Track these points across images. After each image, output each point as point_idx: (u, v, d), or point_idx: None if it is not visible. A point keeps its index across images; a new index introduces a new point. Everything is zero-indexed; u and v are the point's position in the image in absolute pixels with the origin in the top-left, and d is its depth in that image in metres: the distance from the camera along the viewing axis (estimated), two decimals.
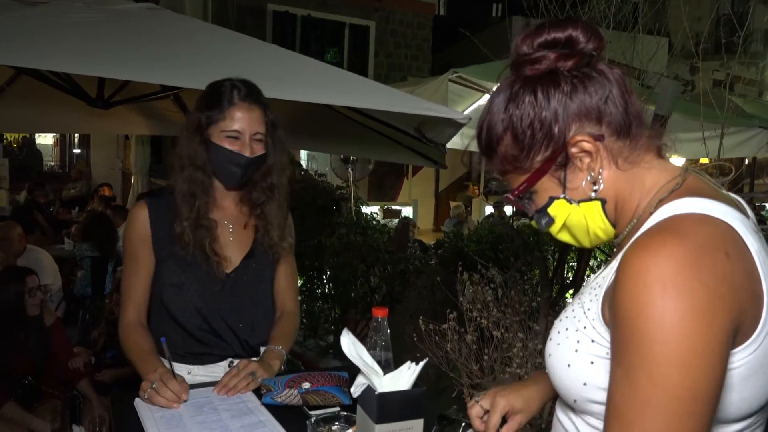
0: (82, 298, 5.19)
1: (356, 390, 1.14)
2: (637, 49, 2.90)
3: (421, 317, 2.17)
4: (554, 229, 0.91)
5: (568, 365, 0.83)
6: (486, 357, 2.03)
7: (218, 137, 1.56)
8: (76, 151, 14.27)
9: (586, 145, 0.84)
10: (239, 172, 1.59)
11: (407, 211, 10.33)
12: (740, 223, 0.77)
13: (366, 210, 6.32)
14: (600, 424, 0.82)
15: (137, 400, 1.43)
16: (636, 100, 0.87)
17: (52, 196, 9.29)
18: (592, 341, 0.81)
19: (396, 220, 7.16)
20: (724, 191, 0.87)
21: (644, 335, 0.70)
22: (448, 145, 3.10)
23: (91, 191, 9.47)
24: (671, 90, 2.48)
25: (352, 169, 6.20)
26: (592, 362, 0.81)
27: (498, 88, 0.90)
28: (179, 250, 1.60)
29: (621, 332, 0.73)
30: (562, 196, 0.88)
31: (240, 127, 1.55)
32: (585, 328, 0.83)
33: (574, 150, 0.85)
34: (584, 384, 0.81)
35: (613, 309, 0.75)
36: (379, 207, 8.76)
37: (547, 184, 0.88)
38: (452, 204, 10.12)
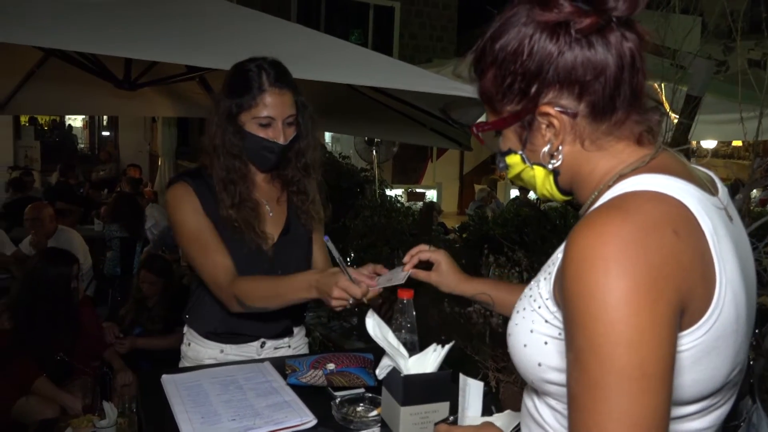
0: (111, 277, 5.28)
1: (381, 372, 1.13)
2: (666, 28, 2.81)
3: (446, 299, 2.15)
4: (509, 175, 0.91)
5: (524, 345, 0.81)
6: None
7: (250, 124, 1.54)
8: (105, 133, 14.46)
9: (553, 120, 0.80)
10: (274, 158, 1.60)
11: (431, 194, 10.28)
12: (697, 202, 0.74)
13: (390, 193, 6.32)
14: (559, 405, 0.81)
15: (164, 377, 1.44)
16: (640, 81, 0.80)
17: (82, 178, 9.45)
18: (546, 321, 0.79)
19: (420, 203, 7.14)
20: (701, 170, 0.84)
21: (589, 316, 0.67)
22: None
23: (119, 173, 9.61)
24: (705, 70, 2.40)
25: (376, 152, 6.17)
26: (545, 342, 0.79)
27: (510, 14, 0.82)
28: (222, 231, 1.59)
29: (568, 314, 0.71)
30: (519, 152, 0.86)
31: (272, 113, 1.53)
32: (539, 308, 0.80)
33: (540, 118, 0.81)
34: (539, 364, 0.79)
35: (562, 290, 0.73)
36: (403, 190, 8.72)
37: (509, 135, 0.86)
38: (477, 187, 10.03)
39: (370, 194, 5.79)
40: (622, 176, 0.79)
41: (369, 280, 1.33)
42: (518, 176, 0.89)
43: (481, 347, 2.10)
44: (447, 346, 1.13)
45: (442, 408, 1.10)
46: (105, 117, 13.65)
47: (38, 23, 2.19)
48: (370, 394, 1.33)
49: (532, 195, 8.91)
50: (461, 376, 1.07)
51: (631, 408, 0.65)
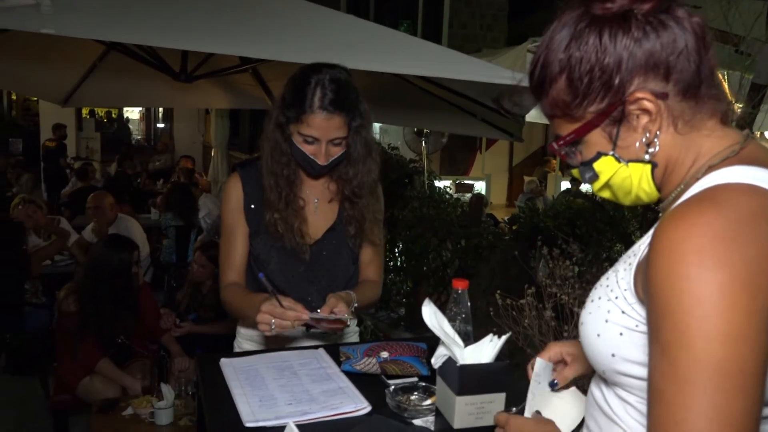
0: (167, 264, 5.45)
1: (437, 361, 1.13)
2: (733, 14, 2.69)
3: (498, 291, 2.13)
4: (596, 186, 0.86)
5: (598, 335, 0.79)
6: (565, 334, 1.98)
7: (296, 137, 1.57)
8: (160, 125, 14.89)
9: (647, 104, 0.77)
10: (314, 173, 1.64)
11: (480, 186, 10.16)
12: None
13: (438, 184, 6.29)
14: (630, 398, 0.78)
15: (222, 360, 1.48)
16: (713, 56, 0.78)
17: (139, 168, 9.76)
18: (623, 312, 0.77)
19: (468, 195, 7.08)
20: None
21: (680, 308, 0.65)
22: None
23: (174, 163, 9.88)
24: None
25: (425, 143, 6.15)
26: (621, 333, 0.77)
27: (562, 20, 0.81)
28: (267, 224, 1.65)
29: (655, 307, 0.68)
30: (611, 153, 0.81)
31: (316, 135, 1.54)
32: (617, 298, 0.78)
33: (632, 107, 0.78)
34: (612, 355, 0.78)
35: (647, 282, 0.70)
36: (451, 181, 8.65)
37: (596, 138, 0.82)
38: (526, 179, 9.86)
39: (418, 185, 5.78)
40: (711, 167, 0.77)
41: (301, 310, 1.45)
42: (608, 184, 0.84)
43: (533, 340, 2.07)
44: (504, 337, 1.12)
45: (498, 399, 1.09)
46: (161, 109, 14.06)
47: (101, 17, 2.26)
48: (424, 383, 1.33)
49: (585, 187, 8.72)
50: (537, 360, 1.05)
51: (725, 406, 0.63)
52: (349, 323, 1.49)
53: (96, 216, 4.71)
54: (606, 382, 0.83)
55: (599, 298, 0.81)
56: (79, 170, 7.70)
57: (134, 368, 3.14)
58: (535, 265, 3.87)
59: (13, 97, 13.58)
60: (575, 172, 0.87)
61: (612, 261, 2.55)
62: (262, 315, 1.44)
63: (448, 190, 6.04)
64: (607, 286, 0.81)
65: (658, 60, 0.76)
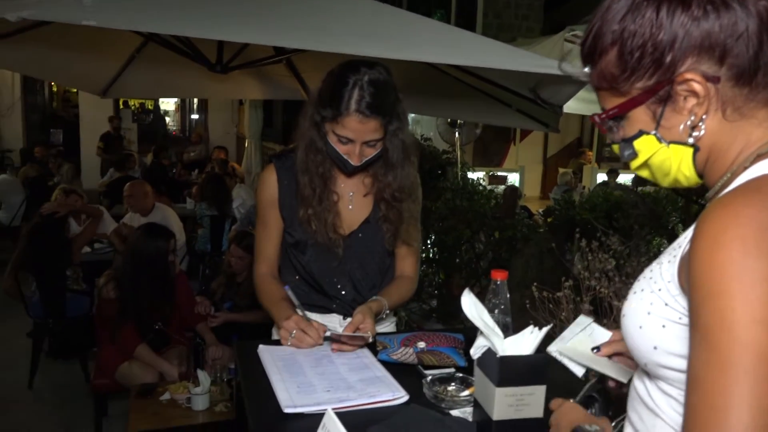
0: (202, 253, 5.54)
1: (476, 352, 1.12)
2: None
3: (535, 284, 2.11)
4: (634, 163, 0.83)
5: (640, 327, 0.78)
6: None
7: (331, 135, 1.58)
8: (195, 116, 15.09)
9: (696, 86, 0.74)
10: (347, 172, 1.65)
11: (513, 178, 10.07)
12: None
13: (472, 175, 6.24)
14: (674, 391, 0.77)
15: (261, 347, 1.50)
16: None
17: (175, 159, 9.93)
18: (666, 304, 0.75)
19: (502, 187, 7.01)
20: None
21: (721, 293, 0.63)
22: None
23: (209, 154, 10.01)
24: None
25: (458, 133, 6.10)
26: (663, 326, 0.75)
27: None
28: (300, 220, 1.67)
29: (696, 293, 0.67)
30: (652, 132, 0.79)
31: (351, 136, 1.55)
32: (660, 290, 0.76)
33: (680, 87, 0.75)
34: (654, 348, 0.76)
35: (689, 269, 0.68)
36: (484, 172, 8.60)
37: (640, 115, 0.79)
38: (560, 170, 9.74)
39: (451, 176, 5.74)
40: (760, 156, 0.74)
41: (318, 337, 1.51)
42: (646, 163, 0.82)
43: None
44: (545, 329, 1.10)
45: (539, 391, 1.08)
46: (195, 101, 14.24)
47: (139, 9, 2.29)
48: (462, 374, 1.32)
49: (622, 179, 8.57)
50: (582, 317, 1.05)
51: (765, 392, 0.61)
52: (370, 339, 1.50)
53: (133, 205, 4.81)
54: (649, 375, 0.81)
55: (642, 290, 0.80)
56: (117, 160, 7.87)
57: (171, 354, 3.21)
58: (571, 258, 3.82)
59: (54, 89, 13.92)
60: (615, 147, 0.86)
61: (652, 255, 2.50)
62: (284, 331, 1.53)
63: (481, 181, 5.98)
64: (651, 278, 0.80)
65: (714, 41, 0.73)
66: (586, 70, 0.84)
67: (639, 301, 0.79)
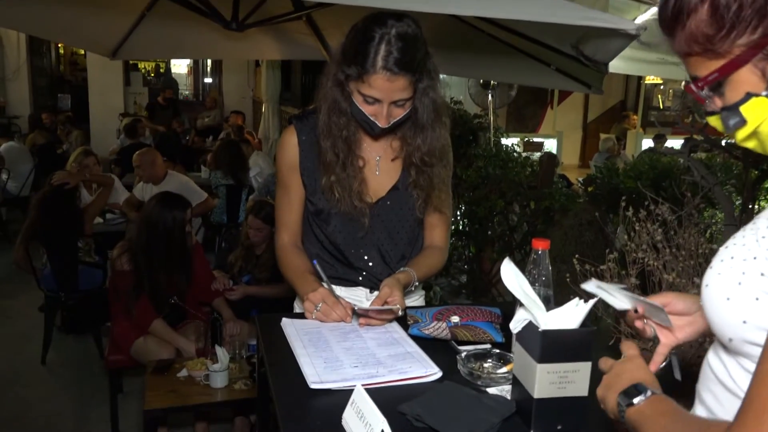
0: (217, 225, 5.59)
1: (516, 325, 1.11)
2: None
3: (576, 255, 2.08)
4: (741, 133, 0.78)
5: (728, 298, 0.75)
6: None
7: (356, 95, 1.55)
8: (208, 80, 15.13)
9: None
10: (373, 134, 1.63)
11: (550, 144, 9.94)
12: None
13: (506, 141, 6.16)
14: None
15: (284, 320, 1.51)
16: None
17: (188, 125, 10.00)
18: (762, 275, 0.72)
19: (538, 154, 6.92)
20: None
21: None
22: None
23: (223, 120, 10.06)
24: None
25: (491, 96, 6.00)
26: (757, 298, 0.72)
27: None
28: (323, 188, 1.66)
29: None
30: (763, 93, 0.74)
31: (378, 96, 1.52)
32: (755, 258, 0.73)
33: None
34: (744, 322, 0.73)
35: None
36: (519, 139, 8.48)
37: (745, 76, 0.75)
38: (602, 136, 9.57)
39: (483, 143, 5.67)
40: None
41: (345, 313, 1.52)
42: (756, 131, 0.77)
43: (614, 310, 2.04)
44: (591, 302, 1.09)
45: (584, 368, 1.07)
46: (209, 63, 14.26)
47: None
48: (498, 350, 1.32)
49: (670, 144, 8.39)
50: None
51: None
52: (400, 313, 1.50)
53: (142, 174, 4.87)
54: (728, 352, 0.79)
55: (731, 257, 0.76)
56: (128, 127, 7.95)
57: (188, 330, 3.26)
58: (613, 230, 3.77)
59: (61, 51, 14.06)
60: (713, 120, 0.81)
61: (704, 226, 2.45)
62: (309, 303, 1.54)
63: (516, 148, 5.90)
64: (744, 245, 0.76)
65: None
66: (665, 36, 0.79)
67: (728, 270, 0.76)
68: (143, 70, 14.25)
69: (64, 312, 4.32)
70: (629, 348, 0.99)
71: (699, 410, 0.85)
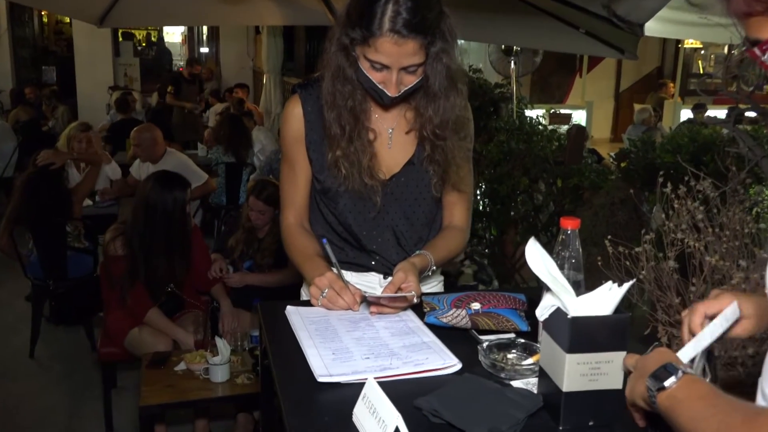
0: (216, 207, 5.62)
1: (543, 312, 1.10)
2: None
3: (608, 236, 2.07)
4: None
5: None
6: (693, 288, 1.90)
7: (363, 61, 1.53)
8: (204, 49, 15.11)
9: None
10: (383, 104, 1.61)
11: (579, 116, 9.87)
12: None
13: (530, 113, 6.12)
14: None
15: (289, 308, 1.51)
16: None
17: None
18: None
19: (565, 127, 6.87)
20: None
21: None
22: None
23: (222, 92, 10.04)
24: None
25: (514, 63, 5.95)
26: None
27: None
28: (329, 164, 1.65)
29: None
30: None
31: (386, 61, 1.50)
32: None
33: None
34: None
35: None
36: (544, 110, 8.42)
37: None
38: (636, 107, 9.48)
39: (505, 115, 5.65)
40: None
41: (354, 301, 1.51)
42: None
43: (650, 296, 2.02)
44: (626, 285, 1.07)
45: (617, 358, 1.05)
46: (204, 31, 14.22)
47: None
48: (523, 340, 1.31)
49: (713, 113, 8.31)
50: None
51: None
52: (415, 300, 1.49)
53: (141, 154, 4.88)
54: None
55: None
56: (119, 101, 7.96)
57: (186, 320, 3.29)
58: (649, 209, 3.74)
59: (45, 19, 14.08)
60: None
61: (751, 203, 2.41)
62: (315, 289, 1.54)
63: (541, 120, 5.87)
64: None
65: None
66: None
67: None
68: (136, 38, 14.26)
69: (53, 301, 4.36)
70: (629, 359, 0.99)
71: (760, 399, 0.84)
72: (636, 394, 0.95)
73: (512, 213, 4.84)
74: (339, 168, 1.62)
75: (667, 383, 0.87)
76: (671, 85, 10.66)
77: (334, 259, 1.57)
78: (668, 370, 0.88)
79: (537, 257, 1.10)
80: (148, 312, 3.16)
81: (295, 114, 1.69)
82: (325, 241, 1.60)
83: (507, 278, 4.72)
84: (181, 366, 2.84)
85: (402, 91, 1.55)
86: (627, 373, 1.03)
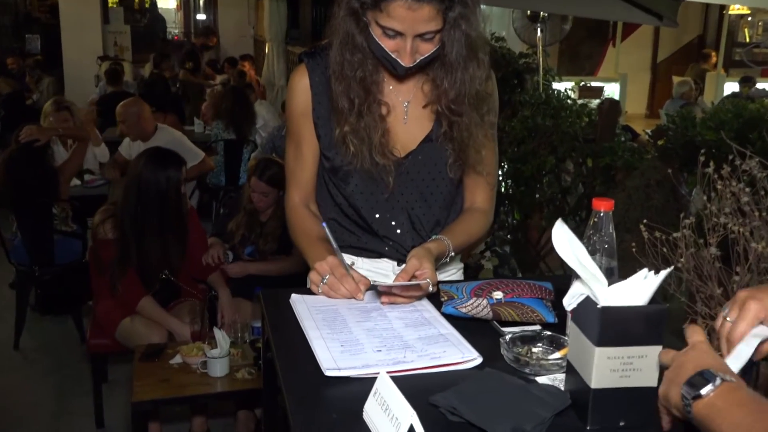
0: (215, 187, 5.63)
1: (571, 302, 1.10)
2: None
3: (644, 221, 2.05)
4: None
5: None
6: (736, 278, 1.88)
7: (375, 27, 1.52)
8: (201, 16, 15.11)
9: None
10: (397, 75, 1.61)
11: (612, 89, 9.79)
12: None
13: (557, 86, 6.09)
14: None
15: (293, 297, 1.52)
16: None
17: (179, 69, 10.01)
18: None
19: (596, 101, 6.83)
20: None
21: None
22: None
23: (221, 63, 10.05)
24: None
25: (541, 31, 5.90)
26: None
27: None
28: (336, 141, 1.65)
29: None
30: None
31: (399, 28, 1.49)
32: None
33: None
34: None
35: None
36: (574, 83, 8.36)
37: None
38: (675, 80, 9.41)
39: (531, 87, 5.62)
40: None
41: (357, 289, 1.51)
42: None
43: (689, 286, 2.00)
44: (663, 273, 1.07)
45: (652, 353, 1.05)
46: None
47: None
48: (550, 333, 1.31)
49: (760, 87, 8.23)
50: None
51: None
52: (431, 289, 1.49)
53: (127, 130, 4.89)
54: None
55: None
56: (109, 72, 7.99)
57: (182, 310, 3.31)
58: (688, 191, 3.72)
59: None
60: None
61: None
62: (315, 275, 1.54)
63: (570, 94, 5.84)
64: None
65: None
66: None
67: None
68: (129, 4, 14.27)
69: (39, 289, 4.41)
70: (694, 333, 0.99)
71: None
72: (670, 401, 0.94)
73: (537, 195, 4.83)
74: (347, 145, 1.62)
75: (703, 391, 0.87)
76: (714, 55, 10.55)
77: (335, 244, 1.57)
78: (705, 377, 0.88)
79: (565, 241, 1.09)
80: (141, 300, 3.18)
81: (302, 85, 1.69)
82: (324, 224, 1.59)
83: (531, 267, 4.71)
84: (177, 359, 2.86)
85: (417, 61, 1.54)
86: (664, 369, 1.03)
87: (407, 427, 0.94)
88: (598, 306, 1.04)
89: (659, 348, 1.06)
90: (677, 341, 1.16)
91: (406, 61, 1.53)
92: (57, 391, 3.82)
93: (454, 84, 1.60)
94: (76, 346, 4.19)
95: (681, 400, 0.90)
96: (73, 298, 4.20)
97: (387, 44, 1.52)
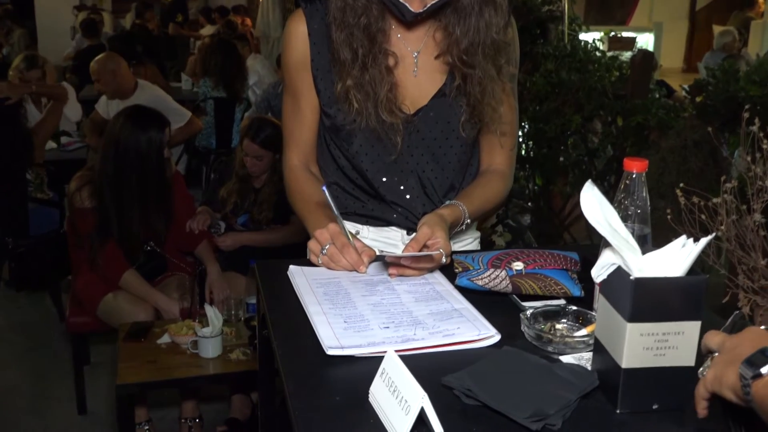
0: (205, 151, 5.63)
1: (600, 272, 1.10)
2: None
3: (681, 184, 2.04)
4: None
5: None
6: None
7: None
8: None
9: None
10: (405, 22, 1.60)
11: (645, 40, 9.73)
12: None
13: (585, 37, 6.04)
14: None
15: (291, 269, 1.52)
16: None
17: (161, 21, 9.97)
18: None
19: (628, 53, 6.78)
20: None
21: None
22: None
23: (211, 14, 10.00)
24: None
25: None
26: None
27: None
28: (338, 96, 1.64)
29: None
30: None
31: None
32: None
33: None
34: None
35: None
36: (602, 33, 8.30)
37: None
38: (716, 29, 9.33)
39: (555, 39, 5.57)
40: None
41: (359, 260, 1.49)
42: None
43: (730, 257, 2.00)
44: (703, 241, 1.06)
45: (691, 329, 1.05)
46: None
47: None
48: (576, 307, 1.31)
49: None
50: None
51: None
52: (444, 260, 1.49)
53: (103, 88, 4.88)
54: None
55: None
56: (86, 23, 7.95)
57: (169, 285, 3.33)
58: (730, 152, 3.70)
59: None
60: None
61: None
62: (314, 243, 1.54)
63: (598, 45, 5.79)
64: None
65: None
66: None
67: None
68: None
69: (13, 263, 4.44)
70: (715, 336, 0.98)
71: None
72: (723, 383, 0.94)
73: (561, 159, 4.82)
74: (350, 101, 1.61)
75: (764, 370, 0.86)
76: (761, 1, 10.45)
77: (336, 210, 1.57)
78: (767, 355, 0.88)
79: (594, 205, 1.08)
80: (124, 275, 3.20)
81: (299, 33, 1.68)
82: (324, 188, 1.59)
83: (554, 238, 4.71)
84: (165, 339, 2.88)
85: (427, 6, 1.54)
86: (705, 354, 1.03)
87: (417, 411, 0.94)
88: (632, 277, 1.03)
89: (698, 324, 1.05)
90: (717, 317, 1.15)
91: (414, 6, 1.53)
92: (34, 374, 3.86)
93: (467, 32, 1.59)
94: (54, 324, 4.23)
95: (739, 380, 0.90)
96: (50, 273, 4.23)
97: None
